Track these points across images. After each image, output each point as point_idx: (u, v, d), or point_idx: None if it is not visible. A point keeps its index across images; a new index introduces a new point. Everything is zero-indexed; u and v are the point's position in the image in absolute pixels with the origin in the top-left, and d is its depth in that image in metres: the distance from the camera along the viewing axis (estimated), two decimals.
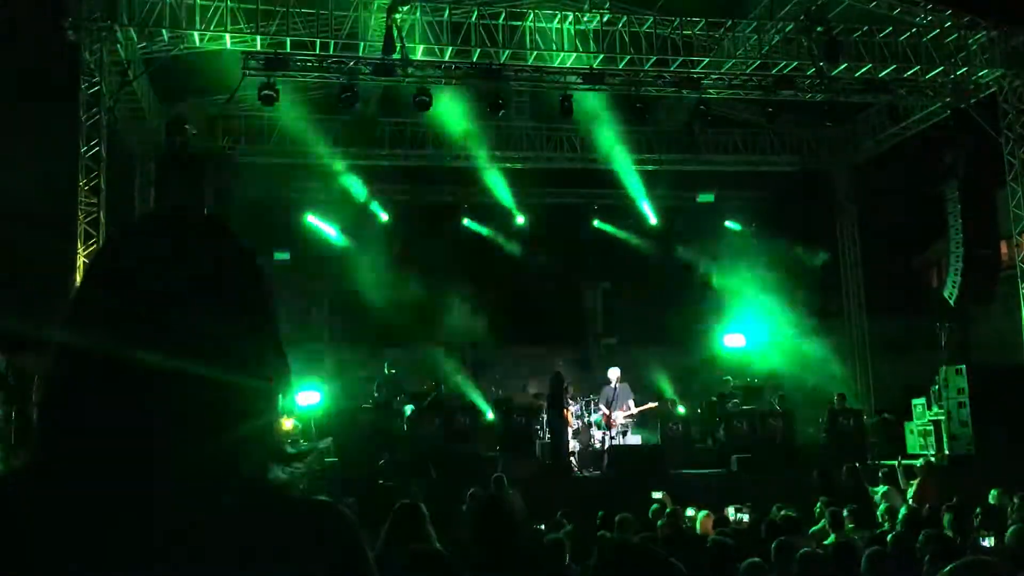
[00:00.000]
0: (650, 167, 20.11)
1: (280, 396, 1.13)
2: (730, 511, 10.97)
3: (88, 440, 1.01)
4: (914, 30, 15.96)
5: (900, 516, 8.55)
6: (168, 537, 0.99)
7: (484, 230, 21.19)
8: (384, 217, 20.54)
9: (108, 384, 1.02)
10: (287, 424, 15.77)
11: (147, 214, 1.21)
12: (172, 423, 1.02)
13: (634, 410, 15.90)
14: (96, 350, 1.03)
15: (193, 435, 1.03)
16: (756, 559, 5.52)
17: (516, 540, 4.36)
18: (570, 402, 15.93)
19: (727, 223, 21.68)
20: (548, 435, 15.32)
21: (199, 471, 1.03)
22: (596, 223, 21.47)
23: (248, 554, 1.02)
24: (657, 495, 12.05)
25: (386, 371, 16.30)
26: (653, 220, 21.45)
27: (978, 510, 9.04)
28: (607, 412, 15.69)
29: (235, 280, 1.12)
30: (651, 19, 15.35)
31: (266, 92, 14.55)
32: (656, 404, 16.59)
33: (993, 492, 10.63)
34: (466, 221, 20.90)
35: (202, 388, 1.04)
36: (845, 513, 8.80)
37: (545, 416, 15.47)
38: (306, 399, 16.23)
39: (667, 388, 19.89)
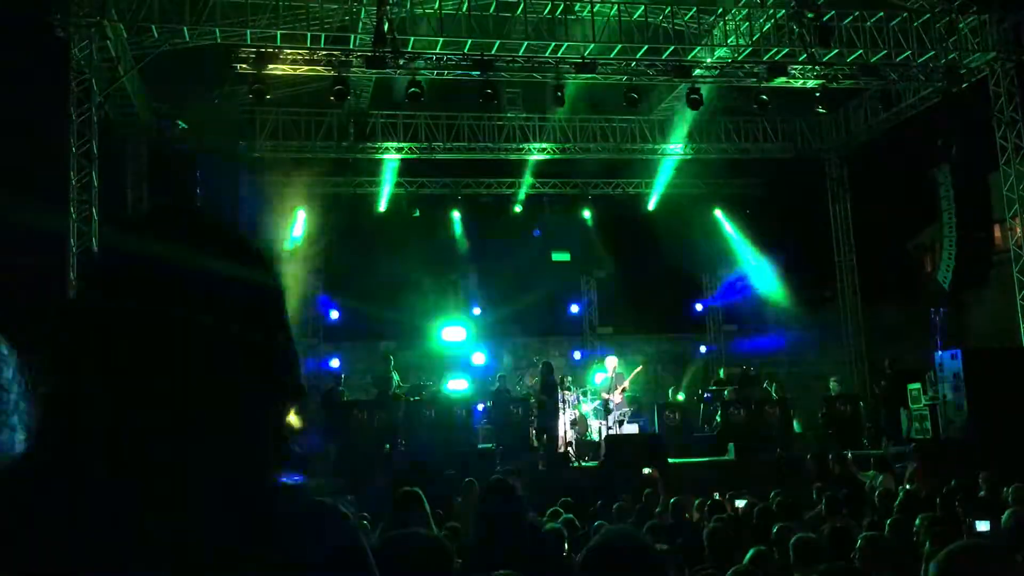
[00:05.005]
0: (644, 156, 20.11)
1: (290, 398, 1.12)
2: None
3: (90, 436, 1.01)
4: (905, 14, 15.94)
5: (897, 501, 8.58)
6: (165, 536, 0.99)
7: (479, 220, 21.14)
8: (382, 208, 20.51)
9: (111, 381, 1.01)
10: (292, 419, 15.74)
11: (147, 210, 1.17)
12: (175, 423, 1.01)
13: (626, 383, 16.10)
14: (100, 348, 1.01)
15: (196, 433, 1.02)
16: (762, 547, 5.51)
17: (522, 519, 4.36)
18: (565, 393, 15.94)
19: (720, 211, 21.69)
20: (539, 424, 15.19)
21: (199, 470, 1.02)
22: (591, 212, 21.41)
23: (246, 554, 1.01)
24: (646, 470, 12.20)
25: (391, 363, 16.24)
26: (649, 208, 21.46)
27: (981, 493, 9.08)
28: (607, 395, 15.69)
29: (247, 277, 1.09)
30: (642, 7, 15.31)
31: (257, 86, 14.49)
32: (640, 367, 17.06)
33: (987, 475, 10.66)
34: (456, 214, 20.80)
35: (212, 389, 1.02)
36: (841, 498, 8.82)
37: (536, 405, 15.36)
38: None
39: (663, 377, 19.93)
